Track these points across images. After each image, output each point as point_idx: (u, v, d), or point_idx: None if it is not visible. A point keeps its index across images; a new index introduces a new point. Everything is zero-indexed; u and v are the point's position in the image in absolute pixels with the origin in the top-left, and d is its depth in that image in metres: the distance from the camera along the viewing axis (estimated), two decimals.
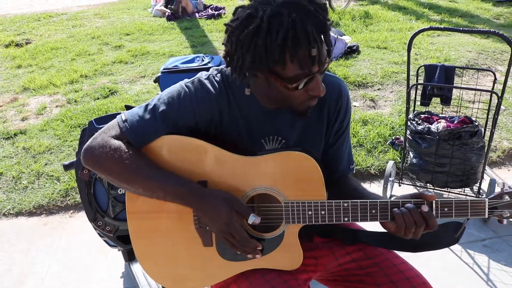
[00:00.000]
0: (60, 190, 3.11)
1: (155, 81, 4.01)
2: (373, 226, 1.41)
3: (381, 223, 1.24)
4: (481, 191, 2.86)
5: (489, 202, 1.19)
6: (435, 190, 3.04)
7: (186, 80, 1.30)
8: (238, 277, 1.32)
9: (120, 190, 1.50)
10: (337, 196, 1.27)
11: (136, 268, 2.22)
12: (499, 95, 2.51)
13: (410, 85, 2.77)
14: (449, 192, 2.95)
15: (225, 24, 1.18)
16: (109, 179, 1.25)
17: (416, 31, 2.54)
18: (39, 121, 4.08)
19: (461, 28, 2.41)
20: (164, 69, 3.93)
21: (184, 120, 1.26)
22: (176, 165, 1.25)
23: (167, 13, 7.34)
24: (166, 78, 3.89)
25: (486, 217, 1.20)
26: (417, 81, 2.95)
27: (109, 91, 4.55)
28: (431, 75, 2.96)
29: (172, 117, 1.24)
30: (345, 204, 1.21)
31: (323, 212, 1.22)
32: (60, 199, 3.07)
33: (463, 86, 3.30)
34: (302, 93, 1.19)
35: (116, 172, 1.21)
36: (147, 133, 1.24)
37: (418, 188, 3.08)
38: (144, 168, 1.20)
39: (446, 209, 1.19)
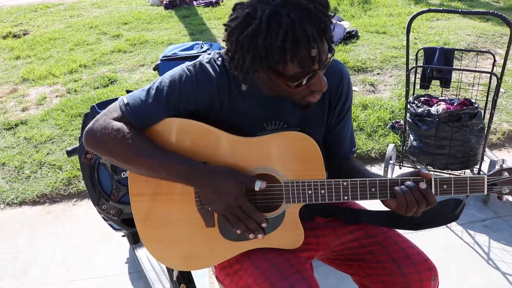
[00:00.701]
0: (62, 179, 3.13)
1: (154, 69, 4.00)
2: (375, 206, 1.43)
3: (381, 201, 1.26)
4: (481, 172, 2.88)
5: (488, 179, 1.20)
6: (435, 172, 3.06)
7: (187, 63, 1.30)
8: (240, 257, 1.34)
9: (124, 174, 1.52)
10: (339, 177, 1.29)
11: (140, 252, 2.25)
12: (499, 76, 2.52)
13: (409, 68, 2.77)
14: (449, 174, 2.97)
15: (224, 24, 1.19)
16: (112, 160, 1.26)
17: (415, 13, 2.54)
18: (40, 111, 4.08)
19: (460, 10, 2.41)
20: (163, 56, 3.92)
21: (185, 103, 1.26)
22: (176, 146, 1.26)
23: (164, 2, 7.30)
24: (166, 65, 3.89)
25: (485, 193, 1.21)
26: (416, 64, 2.95)
27: (109, 80, 4.55)
28: (430, 58, 2.95)
29: (174, 100, 1.25)
30: (345, 183, 1.23)
31: (323, 191, 1.24)
32: (63, 187, 3.09)
33: (461, 68, 3.30)
34: (304, 89, 1.19)
35: (118, 152, 1.22)
36: (149, 116, 1.25)
37: None
38: (146, 148, 1.21)
39: (445, 186, 1.20)
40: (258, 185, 1.20)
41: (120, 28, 6.31)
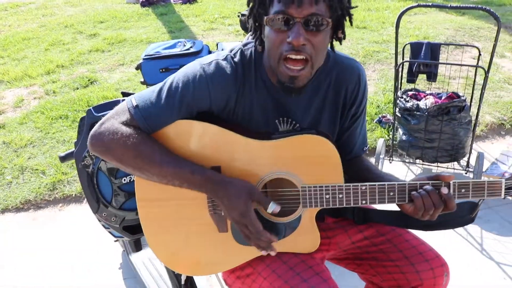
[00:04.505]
0: (46, 184, 3.03)
1: (137, 68, 3.90)
2: (384, 205, 1.42)
3: (398, 204, 1.24)
4: (470, 165, 2.92)
5: (506, 183, 1.20)
6: (424, 166, 3.10)
7: (202, 61, 1.25)
8: (253, 260, 1.31)
9: (124, 179, 1.46)
10: (349, 176, 1.27)
11: (135, 257, 2.19)
12: (486, 69, 2.55)
13: (398, 63, 2.79)
14: (438, 166, 3.01)
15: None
16: (120, 166, 1.21)
17: (404, 9, 2.54)
18: (18, 114, 3.94)
19: (449, 5, 2.43)
20: (145, 55, 3.84)
21: (199, 103, 1.22)
22: (189, 150, 1.22)
23: (141, 0, 7.17)
24: (148, 64, 3.80)
25: (502, 197, 1.21)
26: (403, 59, 2.97)
27: (88, 80, 4.43)
28: (417, 52, 2.98)
29: (187, 102, 1.20)
30: (363, 188, 1.21)
31: (340, 196, 1.22)
32: (48, 192, 2.98)
33: (449, 62, 3.34)
34: (282, 42, 1.14)
35: (128, 160, 1.17)
36: (160, 119, 1.20)
37: (407, 165, 3.13)
38: (158, 156, 1.16)
39: (463, 190, 1.20)
40: (272, 209, 1.16)
41: (97, 27, 6.16)
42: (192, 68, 1.24)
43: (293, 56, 1.14)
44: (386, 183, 1.21)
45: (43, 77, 4.64)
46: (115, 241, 2.35)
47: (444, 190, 1.17)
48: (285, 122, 1.30)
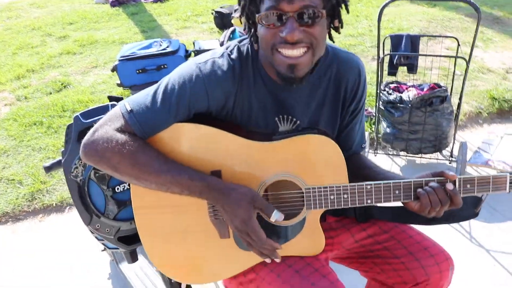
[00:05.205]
0: (24, 194, 2.91)
1: (112, 70, 3.81)
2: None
3: (403, 202, 1.23)
4: (453, 155, 2.96)
5: (510, 177, 1.20)
6: (407, 157, 3.12)
7: (198, 60, 1.20)
8: (255, 265, 1.27)
9: (118, 188, 1.40)
10: (349, 174, 1.24)
11: (126, 267, 2.12)
12: (467, 60, 2.58)
13: (380, 56, 2.79)
14: (422, 158, 3.04)
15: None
16: (116, 175, 1.15)
17: (386, 2, 2.55)
18: None
19: None
20: (121, 56, 3.74)
21: (196, 105, 1.17)
22: (187, 154, 1.17)
23: None
24: (124, 65, 3.72)
25: (507, 191, 1.21)
26: (383, 52, 2.97)
27: (62, 84, 4.28)
28: (397, 44, 2.99)
29: (184, 104, 1.15)
30: (368, 187, 1.19)
31: (345, 196, 1.19)
32: (26, 203, 2.86)
33: (430, 54, 3.37)
34: (275, 35, 1.11)
35: (124, 168, 1.11)
36: (157, 125, 1.14)
37: (391, 157, 3.15)
38: (156, 164, 1.11)
39: (468, 186, 1.19)
40: (275, 217, 1.12)
41: (66, 29, 5.98)
42: (187, 68, 1.19)
43: (289, 50, 1.11)
44: (391, 181, 1.19)
45: (13, 82, 4.47)
46: (103, 250, 2.28)
47: (450, 186, 1.16)
48: (285, 120, 1.27)
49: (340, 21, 1.21)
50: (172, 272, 1.28)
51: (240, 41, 1.27)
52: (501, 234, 2.42)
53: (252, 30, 1.21)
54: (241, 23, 1.24)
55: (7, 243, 2.62)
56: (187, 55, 3.78)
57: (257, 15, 1.13)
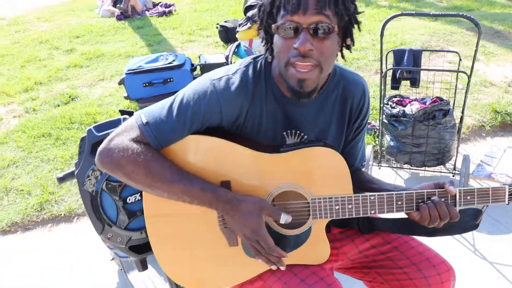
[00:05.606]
0: (33, 205, 2.95)
1: (119, 83, 3.88)
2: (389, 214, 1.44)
3: (406, 212, 1.27)
4: (456, 168, 2.99)
5: (509, 189, 1.24)
6: (411, 170, 3.16)
7: (212, 76, 1.25)
8: (263, 273, 1.31)
9: (129, 199, 1.45)
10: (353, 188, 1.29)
11: (134, 276, 2.16)
12: (469, 74, 2.63)
13: (383, 71, 2.84)
14: (425, 170, 3.07)
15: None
16: (129, 183, 1.20)
17: (388, 17, 2.61)
18: None
19: (431, 13, 2.50)
20: (128, 70, 3.81)
21: (210, 120, 1.23)
22: (199, 165, 1.22)
23: (116, 13, 7.11)
24: (131, 79, 3.78)
25: (506, 203, 1.25)
26: (386, 66, 3.03)
27: (69, 97, 4.35)
28: (400, 59, 3.05)
29: (198, 118, 1.21)
30: (372, 197, 1.23)
31: (350, 206, 1.24)
32: (35, 213, 2.91)
33: (433, 68, 3.42)
34: (290, 48, 1.17)
35: (138, 176, 1.17)
36: (171, 137, 1.20)
37: (395, 170, 3.18)
38: (169, 173, 1.16)
39: (468, 197, 1.24)
40: (284, 219, 1.19)
41: (73, 42, 6.07)
42: (202, 84, 1.24)
43: (300, 63, 1.16)
44: (394, 192, 1.23)
45: (22, 94, 4.54)
46: (112, 259, 2.31)
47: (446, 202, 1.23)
48: (292, 135, 1.32)
49: (352, 40, 1.26)
50: (182, 279, 1.32)
51: (254, 58, 1.32)
52: (504, 246, 2.45)
53: (269, 43, 1.27)
54: (259, 36, 1.30)
55: (16, 252, 2.65)
56: (193, 69, 3.84)
57: (273, 25, 1.18)
